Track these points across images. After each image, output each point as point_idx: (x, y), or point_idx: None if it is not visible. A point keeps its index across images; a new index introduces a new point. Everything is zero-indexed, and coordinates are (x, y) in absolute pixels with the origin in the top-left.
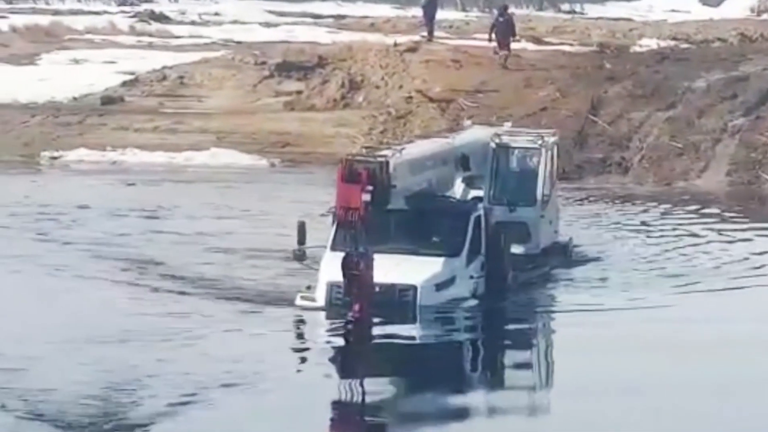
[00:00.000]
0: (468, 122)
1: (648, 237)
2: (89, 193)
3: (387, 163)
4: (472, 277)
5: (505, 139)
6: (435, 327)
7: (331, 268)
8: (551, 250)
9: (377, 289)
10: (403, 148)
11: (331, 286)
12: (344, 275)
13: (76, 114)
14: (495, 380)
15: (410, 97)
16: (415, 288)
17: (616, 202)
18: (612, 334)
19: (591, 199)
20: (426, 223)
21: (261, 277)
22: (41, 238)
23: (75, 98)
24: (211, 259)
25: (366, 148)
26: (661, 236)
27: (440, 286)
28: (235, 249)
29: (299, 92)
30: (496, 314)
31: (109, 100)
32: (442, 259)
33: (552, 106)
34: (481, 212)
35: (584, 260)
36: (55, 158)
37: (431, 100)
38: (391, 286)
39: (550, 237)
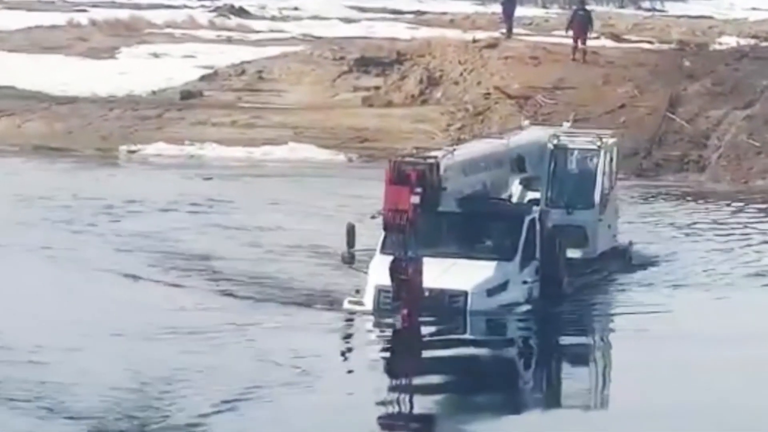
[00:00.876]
0: (526, 122)
1: (718, 236)
2: (163, 187)
3: (437, 164)
4: (525, 282)
5: (563, 140)
6: (485, 333)
7: (379, 272)
8: (610, 254)
9: (426, 294)
10: (454, 149)
11: (380, 291)
12: (392, 279)
13: (155, 108)
14: (545, 388)
15: (488, 94)
16: (465, 294)
17: (691, 199)
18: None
19: (663, 197)
20: (478, 226)
21: (312, 279)
22: (100, 230)
23: (154, 92)
24: (264, 256)
25: (417, 149)
26: (730, 235)
27: (492, 292)
28: (292, 247)
29: (377, 88)
30: (550, 320)
31: (187, 95)
32: (494, 264)
33: (630, 104)
34: (536, 215)
35: (647, 263)
36: (132, 152)
37: (509, 96)
38: (441, 292)
39: (608, 241)
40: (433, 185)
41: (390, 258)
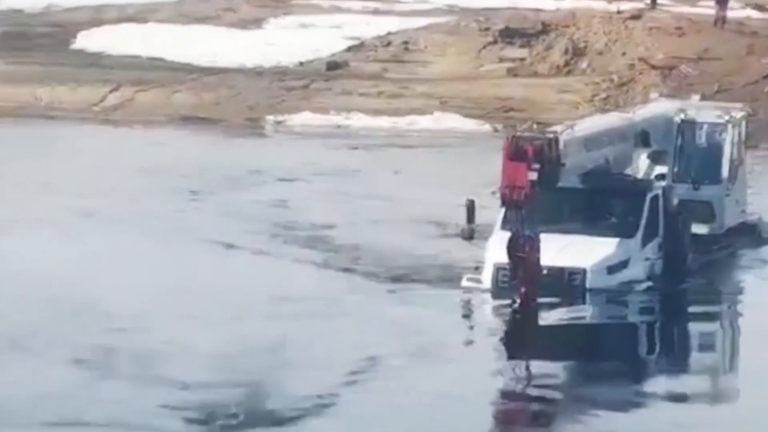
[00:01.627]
0: (655, 95)
1: None
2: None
3: (556, 139)
4: (647, 259)
5: (691, 114)
6: (605, 309)
7: (498, 250)
8: (738, 230)
9: (545, 272)
10: (575, 124)
11: (498, 269)
12: (510, 257)
13: (302, 78)
14: (669, 364)
15: (633, 64)
16: (584, 271)
17: None
18: None
19: None
20: (600, 202)
21: (432, 254)
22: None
23: (301, 63)
24: (379, 231)
25: (537, 124)
26: None
27: (612, 269)
28: (411, 220)
29: (522, 59)
30: (673, 297)
31: (334, 65)
32: (615, 241)
33: None
34: (659, 191)
35: None
36: (279, 122)
37: (653, 67)
38: (560, 270)
39: (736, 216)
40: (551, 161)
41: (508, 235)
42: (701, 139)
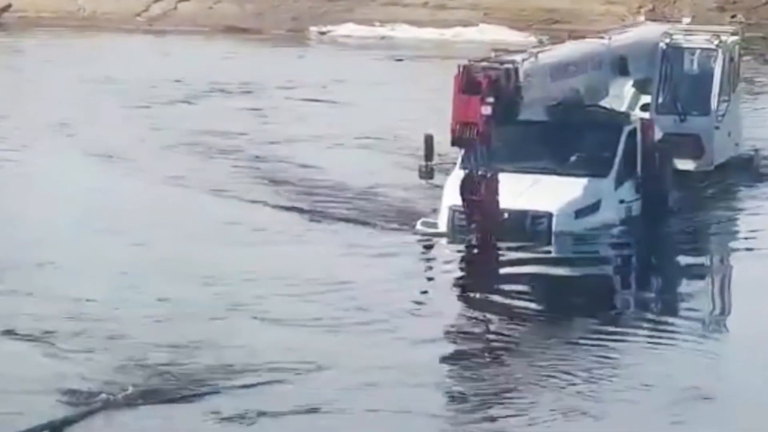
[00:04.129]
0: (642, 18)
1: None
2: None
3: (515, 69)
4: (622, 201)
5: (677, 38)
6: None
7: (454, 191)
8: (730, 165)
9: (506, 215)
10: (540, 51)
11: (454, 211)
12: (463, 200)
13: None
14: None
15: None
16: (549, 215)
17: None
18: None
19: None
20: (569, 137)
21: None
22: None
23: None
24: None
25: (496, 51)
26: None
27: (581, 213)
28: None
29: None
30: (649, 242)
31: None
32: (585, 180)
33: None
34: (636, 125)
35: None
36: (323, 33)
37: None
38: (523, 213)
39: (728, 150)
40: (508, 93)
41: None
42: (688, 66)
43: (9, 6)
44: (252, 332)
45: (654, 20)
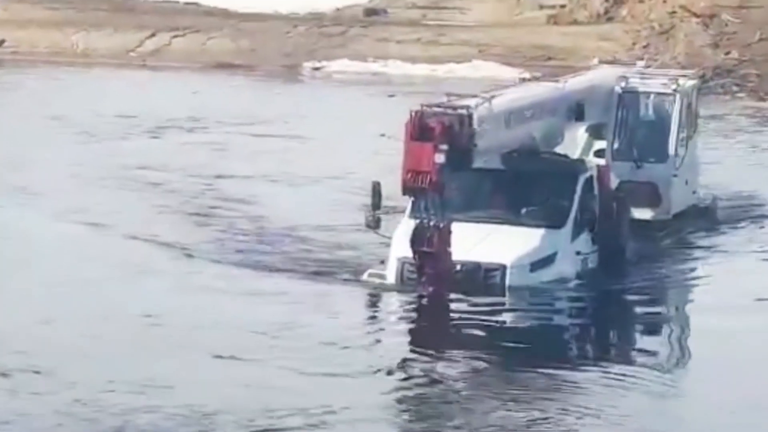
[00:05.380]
0: (595, 61)
1: None
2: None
3: (469, 115)
4: (578, 252)
5: (633, 82)
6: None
7: (404, 242)
8: (688, 214)
9: (458, 267)
10: (493, 96)
11: (403, 263)
12: (414, 252)
13: (339, 25)
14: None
15: (674, 12)
16: (503, 268)
17: None
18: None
19: None
20: (524, 186)
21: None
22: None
23: (338, 9)
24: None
25: (449, 95)
26: None
27: (536, 265)
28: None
29: (562, 6)
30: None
31: (371, 12)
32: (541, 231)
33: None
34: (593, 173)
35: (739, 220)
36: (317, 68)
37: (695, 15)
38: (476, 265)
39: (685, 199)
40: (462, 141)
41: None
42: (645, 111)
43: (2, 42)
44: None
45: (609, 62)
